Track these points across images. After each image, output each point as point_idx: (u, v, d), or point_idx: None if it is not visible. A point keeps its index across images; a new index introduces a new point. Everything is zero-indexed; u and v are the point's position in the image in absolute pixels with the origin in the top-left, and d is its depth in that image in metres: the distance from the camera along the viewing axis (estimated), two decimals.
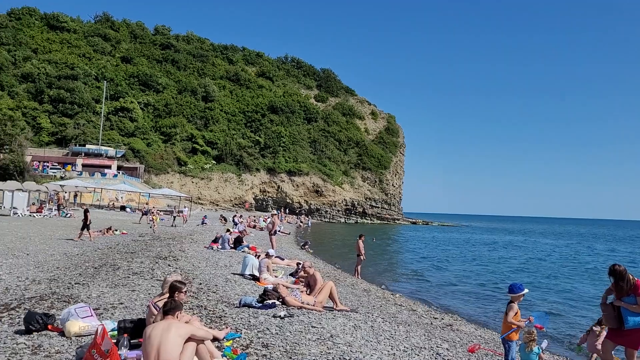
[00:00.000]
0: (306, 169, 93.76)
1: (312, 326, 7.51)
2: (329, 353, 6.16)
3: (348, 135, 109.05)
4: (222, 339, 6.25)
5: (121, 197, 60.85)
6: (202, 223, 39.75)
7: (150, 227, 28.27)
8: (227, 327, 6.78)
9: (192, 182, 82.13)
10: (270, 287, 9.42)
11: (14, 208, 32.40)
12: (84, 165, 69.82)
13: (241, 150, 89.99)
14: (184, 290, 5.67)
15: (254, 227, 42.73)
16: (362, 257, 20.62)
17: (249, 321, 7.52)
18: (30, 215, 32.55)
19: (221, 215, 43.97)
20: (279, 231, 43.67)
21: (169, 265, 13.51)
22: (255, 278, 12.45)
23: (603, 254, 44.47)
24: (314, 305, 9.04)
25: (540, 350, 7.10)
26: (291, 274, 13.83)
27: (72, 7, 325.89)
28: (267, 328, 7.15)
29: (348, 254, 31.51)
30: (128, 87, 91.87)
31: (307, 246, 31.82)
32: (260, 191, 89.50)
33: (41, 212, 34.11)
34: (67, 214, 36.37)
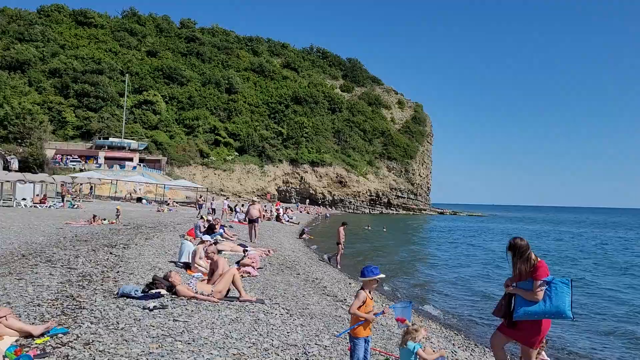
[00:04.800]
0: (329, 159, 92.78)
1: (173, 320, 6.62)
2: (150, 354, 5.31)
3: (373, 125, 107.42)
4: (38, 335, 5.45)
5: (139, 189, 61.29)
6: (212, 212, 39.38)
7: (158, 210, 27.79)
8: (49, 322, 5.95)
9: (215, 174, 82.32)
10: (161, 274, 8.60)
11: (16, 199, 32.69)
12: (107, 158, 70.76)
13: (264, 141, 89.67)
14: None
15: (263, 217, 42.10)
16: (341, 246, 19.68)
17: (108, 314, 6.70)
18: (32, 206, 32.77)
19: (228, 205, 43.47)
20: (288, 221, 43.59)
21: (111, 253, 12.87)
22: (187, 266, 11.69)
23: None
24: (209, 295, 8.16)
25: (421, 347, 6.04)
26: (237, 262, 13.02)
27: (100, 3, 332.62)
28: (118, 322, 6.32)
29: (351, 244, 30.61)
30: (152, 81, 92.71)
31: (304, 235, 31.24)
32: (283, 182, 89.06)
33: (44, 203, 34.31)
34: (74, 205, 36.53)
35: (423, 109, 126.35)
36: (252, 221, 20.55)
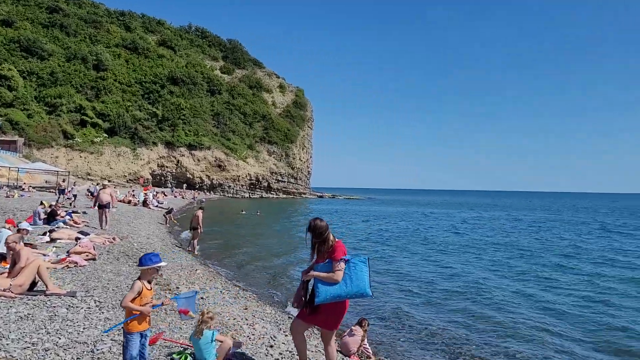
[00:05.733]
0: (208, 142, 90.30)
1: None
2: None
3: (254, 108, 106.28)
4: None
5: None
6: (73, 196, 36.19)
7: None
8: None
9: (81, 157, 76.24)
10: None
11: None
12: None
13: (136, 122, 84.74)
14: None
15: (129, 202, 39.71)
16: (199, 231, 18.97)
17: None
18: None
19: (87, 190, 40.46)
20: (157, 206, 41.57)
21: None
22: (3, 257, 10.33)
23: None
24: (5, 290, 7.14)
25: (218, 333, 5.70)
26: (67, 252, 11.83)
27: None
28: None
29: (220, 228, 29.85)
30: (7, 54, 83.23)
31: (170, 214, 30.28)
32: (158, 166, 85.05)
33: None
34: None
35: (304, 93, 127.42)
36: (102, 207, 19.02)
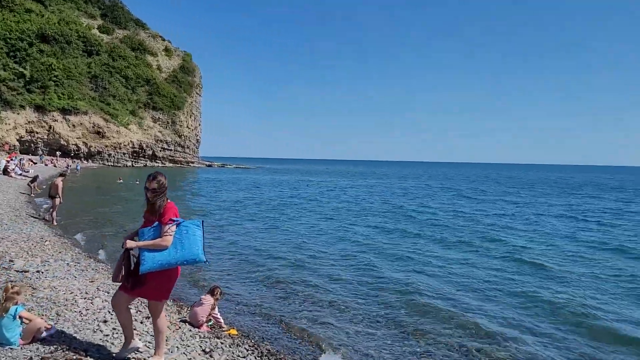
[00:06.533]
0: (85, 107, 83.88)
1: None
2: None
3: (137, 72, 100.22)
4: None
5: None
6: None
7: None
8: None
9: None
10: None
11: None
12: None
13: (0, 83, 76.32)
14: None
15: None
16: (58, 200, 17.51)
17: None
18: None
19: None
20: (21, 174, 37.98)
21: None
22: None
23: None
24: None
25: (23, 308, 5.14)
26: None
27: None
28: None
29: (89, 200, 28.05)
30: None
31: (34, 183, 28.06)
32: (26, 132, 77.68)
33: None
34: None
35: (192, 58, 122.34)
36: None
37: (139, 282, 4.75)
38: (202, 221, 5.04)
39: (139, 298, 5.44)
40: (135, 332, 6.30)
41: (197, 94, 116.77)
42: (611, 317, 9.51)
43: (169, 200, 4.93)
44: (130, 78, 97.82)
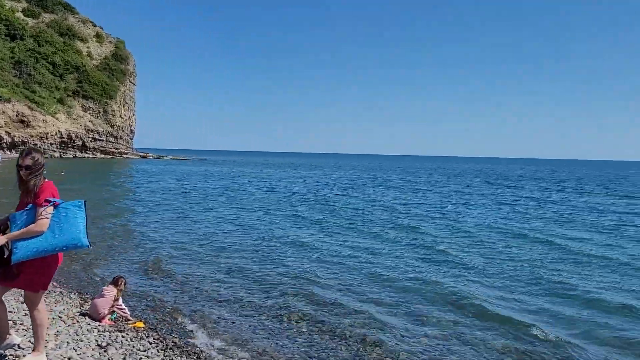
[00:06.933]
0: (7, 94, 79.26)
1: None
2: None
3: (65, 58, 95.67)
4: None
5: None
6: None
7: None
8: None
9: None
10: None
11: None
12: None
13: None
14: None
15: None
16: None
17: None
18: None
19: None
20: None
21: None
22: None
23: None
24: None
25: None
26: None
27: None
28: None
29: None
30: None
31: None
32: None
33: None
34: None
35: (125, 45, 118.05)
36: None
37: (12, 272, 4.26)
38: (85, 201, 4.58)
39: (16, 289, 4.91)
40: (22, 326, 6.01)
41: (131, 82, 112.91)
42: (502, 303, 9.96)
43: (46, 180, 4.45)
44: (58, 65, 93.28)
